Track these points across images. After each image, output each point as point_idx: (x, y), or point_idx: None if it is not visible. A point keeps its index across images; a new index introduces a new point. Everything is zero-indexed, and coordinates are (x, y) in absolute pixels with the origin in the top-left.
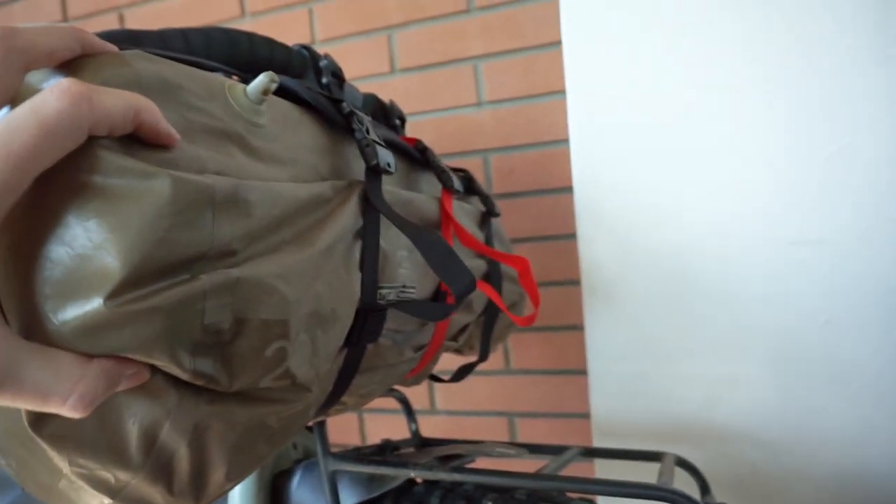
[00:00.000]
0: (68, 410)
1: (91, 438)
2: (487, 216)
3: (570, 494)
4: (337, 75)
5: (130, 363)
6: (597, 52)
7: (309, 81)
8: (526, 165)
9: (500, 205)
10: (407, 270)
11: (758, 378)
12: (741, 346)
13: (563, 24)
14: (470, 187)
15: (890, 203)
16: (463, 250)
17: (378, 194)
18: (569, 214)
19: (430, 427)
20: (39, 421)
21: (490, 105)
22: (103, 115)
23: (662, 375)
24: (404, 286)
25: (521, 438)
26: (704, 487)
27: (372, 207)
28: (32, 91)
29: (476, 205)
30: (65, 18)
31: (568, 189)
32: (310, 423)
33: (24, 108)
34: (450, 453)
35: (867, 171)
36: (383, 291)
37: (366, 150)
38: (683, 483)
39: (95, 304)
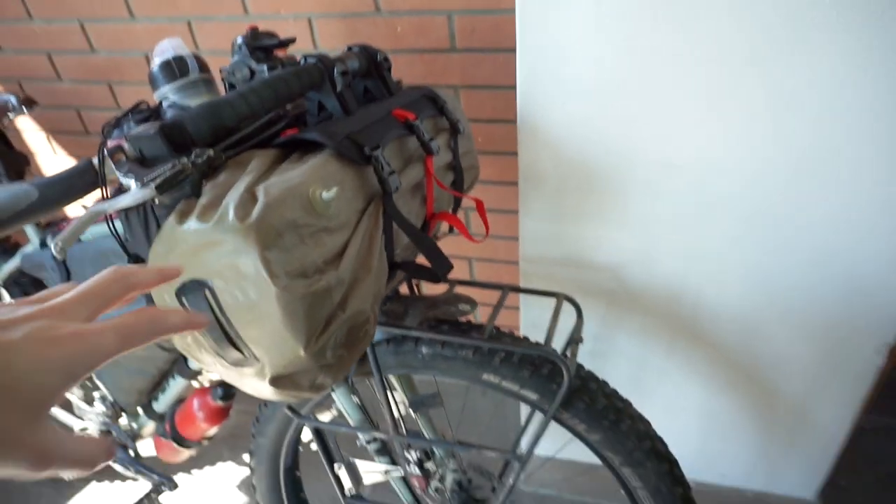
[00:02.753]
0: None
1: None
2: (455, 131)
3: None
4: (346, 73)
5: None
6: None
7: (326, 90)
8: (485, 27)
9: (464, 59)
10: None
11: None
12: (623, 214)
13: None
14: (442, 111)
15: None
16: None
17: (393, 207)
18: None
19: None
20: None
21: None
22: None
23: (571, 233)
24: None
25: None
26: (580, 314)
27: (388, 215)
28: None
29: (444, 124)
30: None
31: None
32: None
33: None
34: (429, 316)
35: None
36: (396, 252)
37: (385, 184)
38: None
39: (304, 357)
